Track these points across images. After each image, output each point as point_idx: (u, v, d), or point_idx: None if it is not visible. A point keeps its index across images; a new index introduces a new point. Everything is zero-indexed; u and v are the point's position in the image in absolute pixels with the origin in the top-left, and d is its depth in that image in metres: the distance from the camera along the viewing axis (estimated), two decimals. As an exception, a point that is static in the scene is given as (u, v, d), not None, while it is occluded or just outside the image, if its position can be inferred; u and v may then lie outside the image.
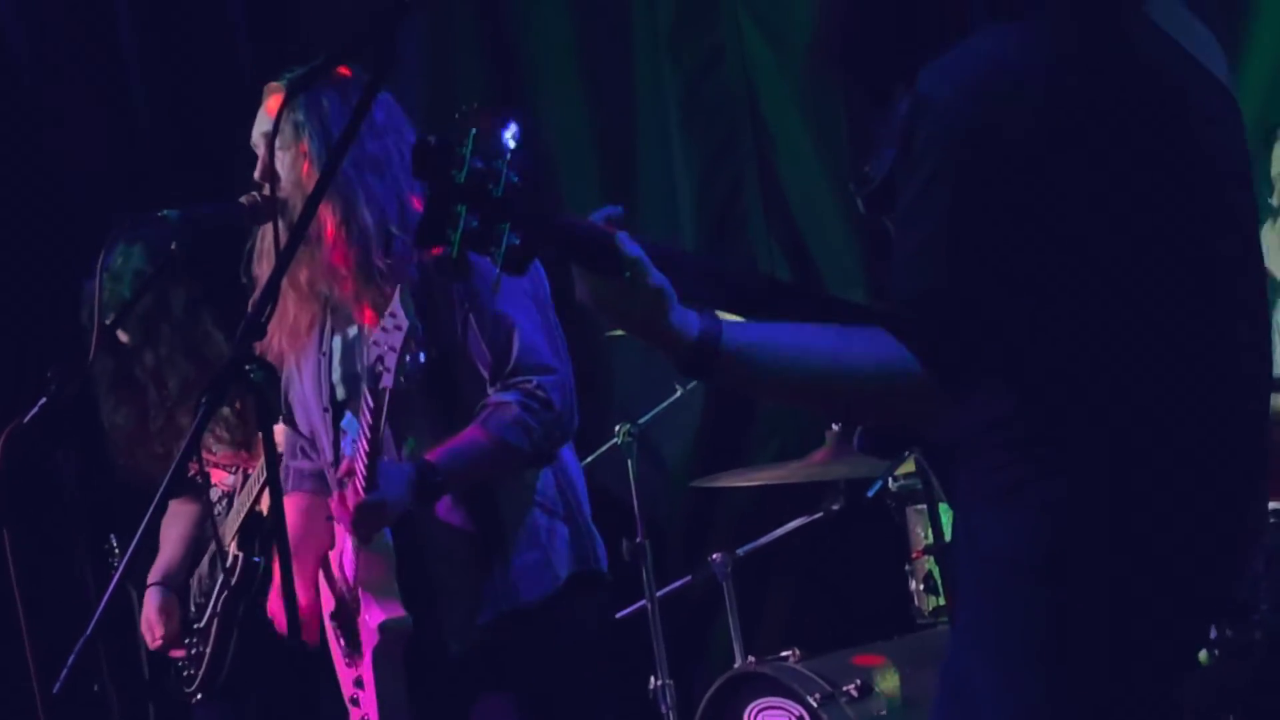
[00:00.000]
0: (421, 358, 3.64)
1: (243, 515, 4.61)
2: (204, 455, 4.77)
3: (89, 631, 2.88)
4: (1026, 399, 2.37)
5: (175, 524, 4.87)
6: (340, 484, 3.75)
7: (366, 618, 3.87)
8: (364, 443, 3.63)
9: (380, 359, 3.61)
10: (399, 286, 3.61)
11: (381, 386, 3.60)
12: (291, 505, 4.06)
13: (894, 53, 2.44)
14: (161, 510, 2.78)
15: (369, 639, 3.87)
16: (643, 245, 2.27)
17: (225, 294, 4.33)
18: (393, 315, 3.59)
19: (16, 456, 3.77)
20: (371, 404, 3.61)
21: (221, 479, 4.79)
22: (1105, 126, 2.33)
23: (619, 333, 4.47)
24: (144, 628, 4.76)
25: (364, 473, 3.63)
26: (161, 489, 2.70)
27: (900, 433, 2.60)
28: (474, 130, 2.18)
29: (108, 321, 4.19)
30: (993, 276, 2.30)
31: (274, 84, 3.86)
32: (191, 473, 4.67)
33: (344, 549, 3.94)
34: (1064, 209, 2.30)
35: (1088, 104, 2.33)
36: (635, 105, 5.94)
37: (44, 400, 3.87)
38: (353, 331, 3.91)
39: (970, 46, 2.37)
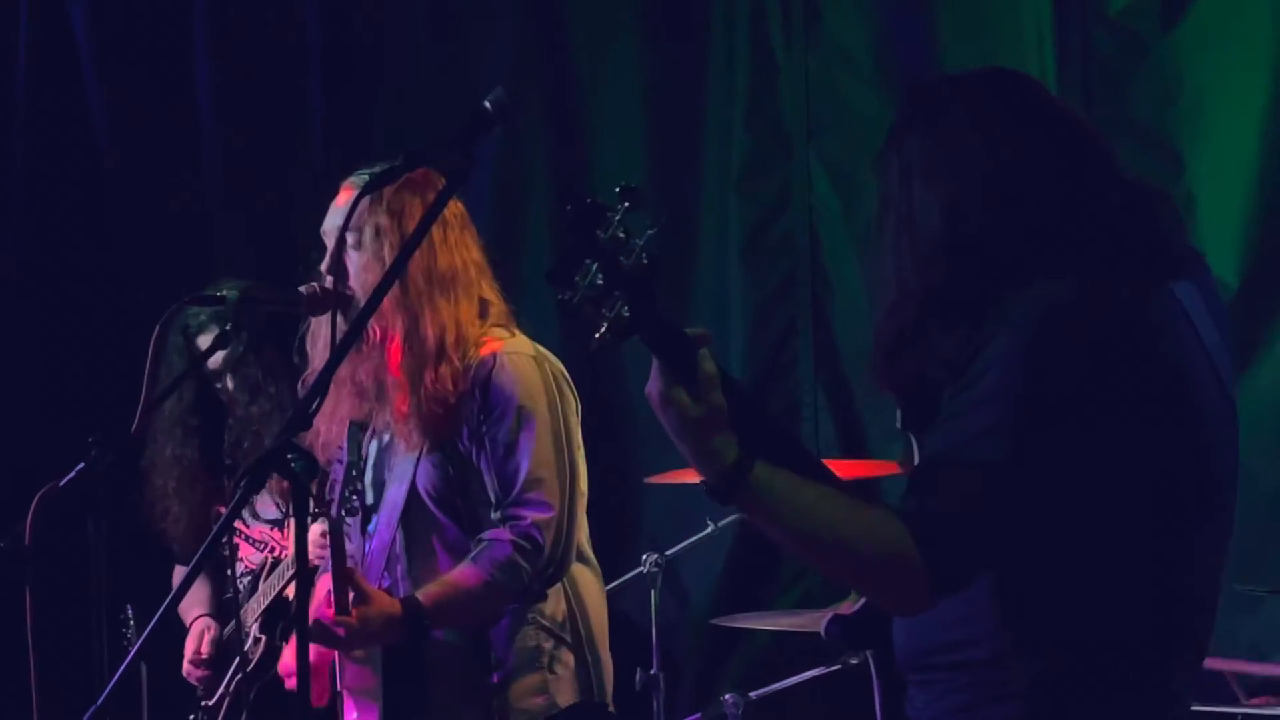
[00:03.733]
0: (357, 501, 3.78)
1: (270, 598, 4.60)
2: (238, 526, 4.78)
3: (99, 702, 2.88)
4: (1002, 627, 2.45)
5: (201, 590, 4.88)
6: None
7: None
8: (331, 564, 3.69)
9: (329, 488, 3.77)
10: (348, 421, 3.73)
11: (332, 514, 3.72)
12: (322, 586, 4.06)
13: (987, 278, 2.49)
14: (189, 583, 2.78)
15: None
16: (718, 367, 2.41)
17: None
18: (340, 448, 3.74)
19: (48, 520, 3.78)
20: (331, 530, 3.70)
21: (248, 555, 4.79)
22: (1129, 407, 2.41)
23: (654, 479, 4.49)
24: (190, 645, 4.79)
25: (333, 594, 3.67)
26: (195, 559, 2.72)
27: (866, 629, 2.75)
28: (626, 204, 2.33)
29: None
30: (1017, 511, 2.39)
31: (351, 179, 3.90)
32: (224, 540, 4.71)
33: None
34: (1087, 467, 2.40)
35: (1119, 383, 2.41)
36: (698, 239, 5.97)
37: (81, 466, 3.89)
38: (387, 438, 3.93)
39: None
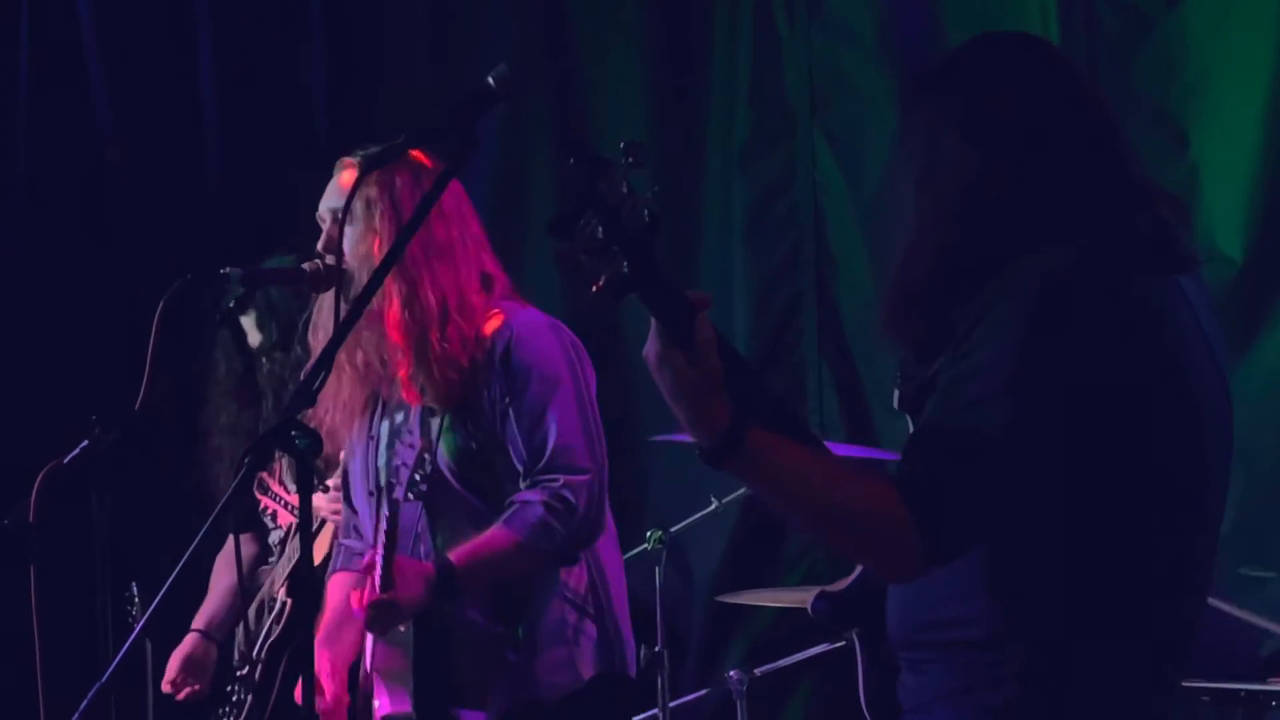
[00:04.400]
0: (429, 469, 3.75)
1: (293, 563, 4.61)
2: (277, 492, 4.79)
3: (103, 679, 2.88)
4: (995, 606, 2.45)
5: (226, 572, 4.89)
6: (361, 578, 3.77)
7: (376, 704, 3.86)
8: (382, 540, 3.65)
9: (397, 470, 3.74)
10: (419, 408, 3.72)
11: (394, 497, 3.71)
12: (335, 584, 4.07)
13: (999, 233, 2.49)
14: (195, 561, 2.79)
15: None
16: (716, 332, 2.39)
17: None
18: (410, 432, 3.72)
19: (52, 497, 3.78)
20: (388, 511, 3.68)
21: (287, 521, 4.81)
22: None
23: (660, 438, 4.48)
24: (171, 667, 4.77)
25: (380, 571, 3.65)
26: (199, 535, 2.72)
27: (853, 607, 2.73)
28: (631, 159, 2.31)
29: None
30: (1012, 482, 2.39)
31: (348, 158, 3.90)
32: (264, 508, 4.71)
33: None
34: (1103, 445, 2.40)
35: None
36: (702, 216, 5.97)
37: (85, 444, 3.89)
38: (400, 417, 3.92)
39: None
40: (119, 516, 4.04)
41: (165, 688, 4.76)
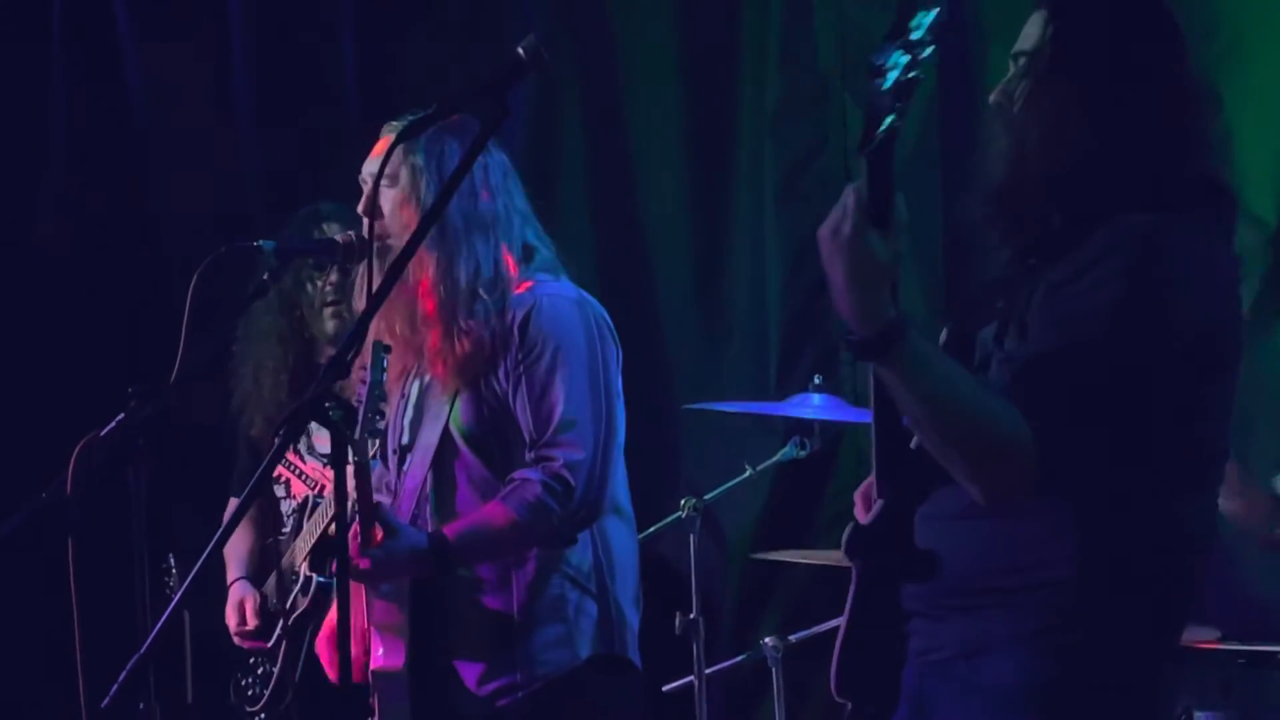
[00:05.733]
0: (381, 423, 3.72)
1: (316, 537, 4.61)
2: (292, 460, 4.80)
3: (143, 650, 2.90)
4: (1089, 546, 2.52)
5: (243, 540, 4.90)
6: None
7: (372, 657, 3.88)
8: (353, 501, 3.68)
9: (418, 431, 3.78)
10: (373, 342, 3.68)
11: (362, 460, 3.68)
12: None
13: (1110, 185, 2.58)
14: (236, 522, 2.80)
15: (372, 679, 3.88)
16: None
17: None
18: (363, 368, 3.66)
19: (89, 470, 3.80)
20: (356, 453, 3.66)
21: (299, 492, 4.82)
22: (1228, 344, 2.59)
23: (694, 405, 4.47)
24: (232, 619, 4.78)
25: (360, 532, 3.69)
26: (239, 505, 2.74)
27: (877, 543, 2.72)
28: (937, 12, 2.33)
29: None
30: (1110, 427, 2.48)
31: (391, 124, 3.88)
32: (278, 475, 4.71)
33: None
34: (1168, 396, 2.52)
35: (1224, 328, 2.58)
36: (734, 185, 5.95)
37: (121, 416, 3.91)
38: (428, 378, 3.93)
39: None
40: (156, 489, 4.07)
41: (239, 641, 4.77)
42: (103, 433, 3.85)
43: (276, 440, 2.76)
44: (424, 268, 3.78)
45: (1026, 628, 2.53)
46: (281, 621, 4.68)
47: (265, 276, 3.96)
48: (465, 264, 3.78)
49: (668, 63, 6.04)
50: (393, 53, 6.22)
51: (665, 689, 5.00)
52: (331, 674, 3.94)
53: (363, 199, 3.88)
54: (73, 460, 3.79)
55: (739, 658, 5.23)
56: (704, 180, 6.01)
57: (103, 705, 2.70)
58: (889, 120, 2.33)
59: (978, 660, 2.57)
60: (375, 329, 3.73)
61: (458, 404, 3.83)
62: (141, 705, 4.36)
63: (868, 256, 2.36)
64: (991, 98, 2.70)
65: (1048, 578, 2.52)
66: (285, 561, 4.72)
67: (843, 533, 2.78)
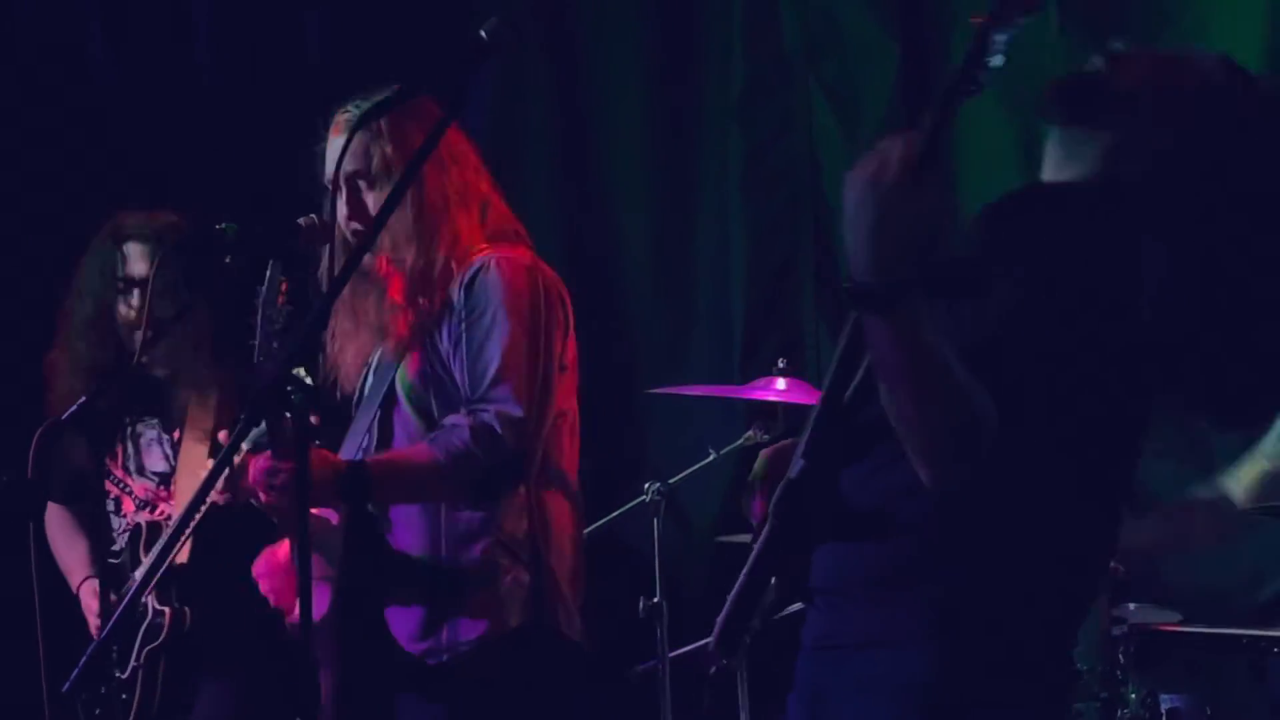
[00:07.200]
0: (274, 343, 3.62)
1: (162, 569, 4.41)
2: (120, 477, 4.67)
3: (103, 635, 2.90)
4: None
5: (76, 546, 4.73)
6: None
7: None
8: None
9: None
10: (270, 261, 3.62)
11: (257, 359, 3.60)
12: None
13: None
14: (188, 522, 2.79)
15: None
16: None
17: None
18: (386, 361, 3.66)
19: (49, 453, 3.79)
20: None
21: (129, 511, 4.66)
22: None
23: (658, 390, 4.42)
24: (94, 621, 4.56)
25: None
26: (194, 496, 2.72)
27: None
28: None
29: None
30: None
31: (342, 114, 3.85)
32: (107, 492, 4.61)
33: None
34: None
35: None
36: (698, 165, 5.95)
37: (83, 400, 3.90)
38: (391, 344, 3.90)
39: None
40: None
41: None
42: (64, 416, 3.85)
43: (239, 424, 2.74)
44: (397, 259, 3.77)
45: (929, 624, 2.48)
46: (135, 652, 4.52)
47: (227, 260, 3.94)
48: (442, 246, 3.77)
49: (631, 45, 6.04)
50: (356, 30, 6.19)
51: (628, 672, 5.00)
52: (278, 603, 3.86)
53: (342, 201, 3.79)
54: (34, 444, 3.78)
55: (703, 641, 5.24)
56: (668, 162, 6.01)
57: (64, 689, 2.70)
58: (995, 59, 2.32)
59: (878, 653, 2.54)
60: (355, 318, 3.73)
61: (405, 363, 3.82)
62: (103, 689, 4.35)
63: (909, 206, 2.28)
64: None
65: (952, 574, 2.47)
66: (128, 587, 4.49)
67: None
